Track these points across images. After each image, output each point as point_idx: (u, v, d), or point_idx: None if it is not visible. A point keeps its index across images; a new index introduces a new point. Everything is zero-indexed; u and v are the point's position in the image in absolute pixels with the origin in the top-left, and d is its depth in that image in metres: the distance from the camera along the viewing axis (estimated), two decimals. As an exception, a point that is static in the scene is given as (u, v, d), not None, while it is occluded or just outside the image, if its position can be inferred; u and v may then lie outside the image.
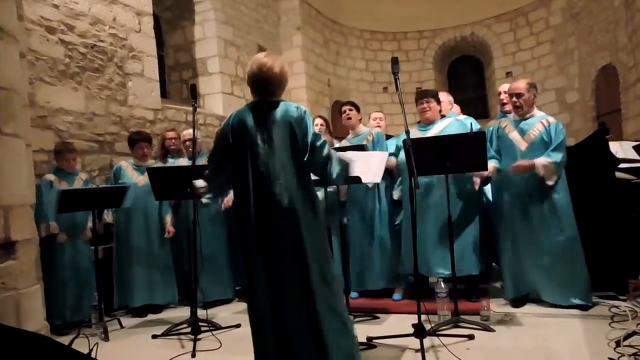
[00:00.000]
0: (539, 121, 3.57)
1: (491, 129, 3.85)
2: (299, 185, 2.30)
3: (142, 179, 4.25)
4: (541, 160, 3.40)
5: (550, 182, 3.41)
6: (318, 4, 8.90)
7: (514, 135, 3.62)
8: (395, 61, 2.78)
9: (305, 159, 2.33)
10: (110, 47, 5.09)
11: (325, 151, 2.35)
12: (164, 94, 6.36)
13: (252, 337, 2.34)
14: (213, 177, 2.55)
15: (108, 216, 4.30)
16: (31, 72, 4.23)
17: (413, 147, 2.66)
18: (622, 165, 4.04)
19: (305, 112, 2.38)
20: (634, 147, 3.38)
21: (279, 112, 2.34)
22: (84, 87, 4.77)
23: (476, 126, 3.84)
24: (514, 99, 3.59)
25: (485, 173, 3.59)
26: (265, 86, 2.38)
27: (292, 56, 8.25)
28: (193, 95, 3.47)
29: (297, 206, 2.26)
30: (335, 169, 2.37)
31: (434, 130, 3.79)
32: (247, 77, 2.42)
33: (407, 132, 2.72)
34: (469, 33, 10.03)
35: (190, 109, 3.57)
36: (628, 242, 3.73)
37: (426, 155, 3.12)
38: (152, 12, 5.71)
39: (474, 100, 10.53)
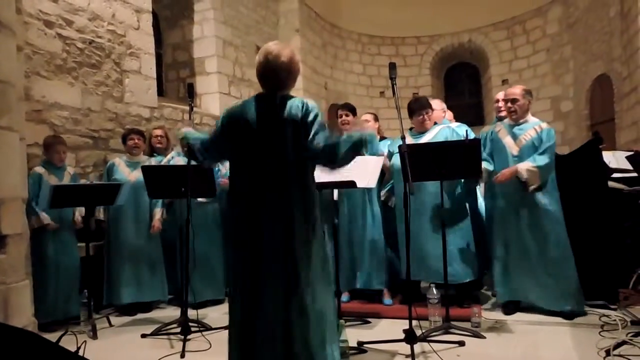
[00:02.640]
0: (533, 127, 3.60)
1: (485, 133, 3.88)
2: (298, 193, 2.12)
3: (134, 175, 4.22)
4: (524, 165, 3.45)
5: (533, 186, 3.43)
6: (317, 6, 8.92)
7: (507, 139, 3.66)
8: (392, 66, 2.78)
9: (309, 154, 2.12)
10: (108, 44, 5.07)
11: (328, 141, 2.09)
12: (160, 92, 6.35)
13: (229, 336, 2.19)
14: (204, 156, 2.39)
15: (100, 213, 4.27)
16: (27, 65, 4.21)
17: (408, 152, 2.66)
18: (615, 175, 4.07)
19: (309, 107, 2.14)
20: (627, 157, 3.40)
21: (283, 108, 2.13)
22: (80, 82, 4.75)
23: (470, 134, 3.87)
24: (509, 104, 3.65)
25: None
26: (271, 77, 2.18)
27: (290, 58, 8.24)
28: (190, 94, 3.45)
29: (295, 215, 2.09)
30: (340, 151, 2.11)
31: (427, 138, 3.80)
32: (256, 68, 2.22)
33: (403, 138, 2.72)
34: (467, 40, 10.08)
35: (187, 108, 3.56)
36: (620, 251, 3.75)
37: (421, 161, 3.13)
38: (151, 9, 5.70)
39: (470, 107, 10.58)
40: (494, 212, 3.75)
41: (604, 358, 2.60)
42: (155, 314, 4.22)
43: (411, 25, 9.86)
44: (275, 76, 2.18)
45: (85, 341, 2.45)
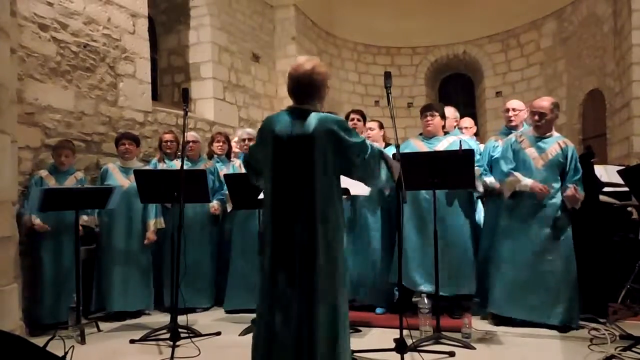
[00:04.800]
0: (557, 142, 3.61)
1: (506, 142, 3.79)
2: (324, 204, 2.18)
3: (127, 182, 4.20)
4: (581, 195, 3.48)
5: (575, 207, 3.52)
6: (314, 15, 8.96)
7: (531, 151, 3.64)
8: (388, 76, 2.79)
9: (350, 171, 2.27)
10: (103, 47, 5.06)
11: (373, 162, 2.25)
12: (155, 96, 6.33)
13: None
14: (250, 173, 2.54)
15: (89, 220, 4.19)
16: (21, 68, 4.19)
17: (402, 161, 2.67)
18: (606, 189, 4.11)
19: (340, 121, 2.26)
20: (619, 172, 3.44)
21: (309, 121, 2.20)
22: (74, 85, 4.73)
23: (473, 145, 3.86)
24: (536, 117, 3.60)
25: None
26: (298, 89, 2.29)
27: (286, 65, 8.27)
28: (185, 99, 3.45)
29: (317, 226, 2.15)
30: (382, 175, 2.31)
31: (441, 146, 3.83)
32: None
33: (397, 147, 2.72)
34: (462, 51, 10.16)
35: (181, 112, 3.55)
36: (610, 265, 3.77)
37: (415, 170, 3.14)
38: (147, 14, 5.70)
39: (463, 117, 10.65)
40: (498, 226, 3.71)
41: (593, 371, 2.61)
42: (144, 319, 4.19)
43: (407, 35, 9.93)
44: (298, 87, 2.29)
45: (73, 346, 2.43)
